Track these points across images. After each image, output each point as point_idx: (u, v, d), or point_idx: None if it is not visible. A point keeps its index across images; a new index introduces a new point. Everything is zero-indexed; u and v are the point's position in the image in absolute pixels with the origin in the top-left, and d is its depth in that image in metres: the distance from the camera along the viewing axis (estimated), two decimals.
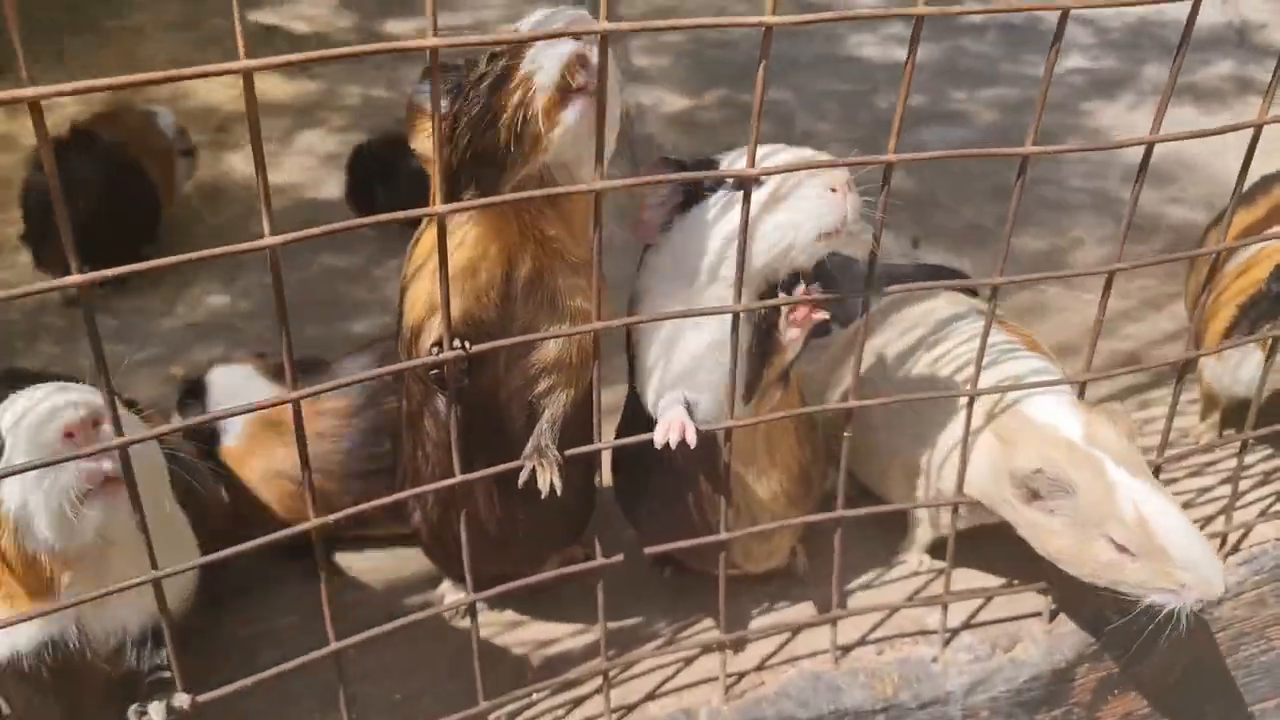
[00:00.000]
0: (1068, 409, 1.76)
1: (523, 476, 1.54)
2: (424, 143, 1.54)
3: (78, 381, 1.68)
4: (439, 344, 1.41)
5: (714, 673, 1.83)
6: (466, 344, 1.42)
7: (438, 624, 1.90)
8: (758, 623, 1.96)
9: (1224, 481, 2.12)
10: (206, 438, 2.06)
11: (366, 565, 2.16)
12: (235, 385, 2.19)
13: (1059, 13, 1.42)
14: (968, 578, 2.04)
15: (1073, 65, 5.12)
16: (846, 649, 1.90)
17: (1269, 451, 2.36)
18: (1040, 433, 1.74)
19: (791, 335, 1.64)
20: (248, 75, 1.13)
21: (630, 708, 1.81)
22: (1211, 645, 2.08)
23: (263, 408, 1.37)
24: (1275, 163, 2.65)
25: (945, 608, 1.89)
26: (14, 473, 1.30)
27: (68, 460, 1.31)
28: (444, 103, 1.49)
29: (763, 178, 1.58)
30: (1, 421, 1.40)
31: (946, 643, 1.91)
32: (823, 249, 1.58)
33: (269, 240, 1.22)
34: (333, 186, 4.21)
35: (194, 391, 2.21)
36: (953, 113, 4.73)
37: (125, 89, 1.15)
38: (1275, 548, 2.11)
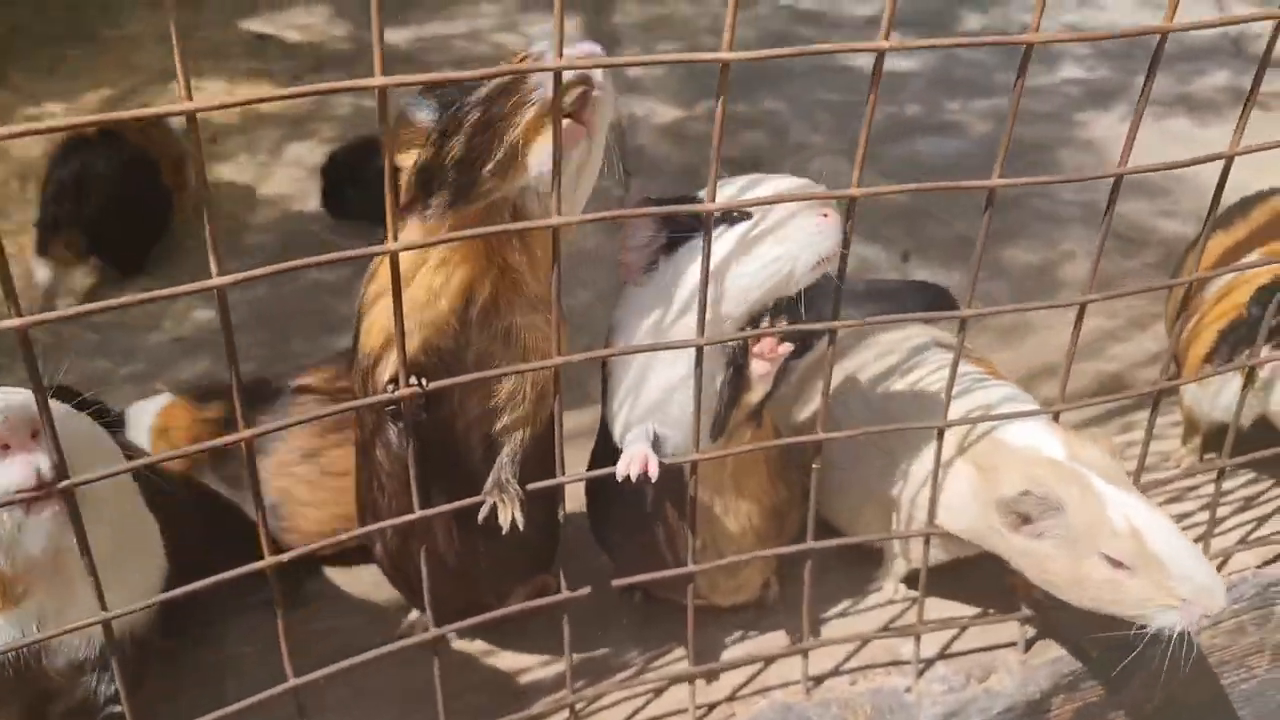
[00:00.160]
0: (1045, 431, 1.74)
1: (483, 512, 1.52)
2: (409, 157, 1.52)
3: (82, 392, 1.69)
4: (395, 380, 1.39)
5: (684, 704, 1.81)
6: (423, 381, 1.40)
7: (406, 651, 1.88)
8: (729, 653, 1.94)
9: (1204, 507, 2.10)
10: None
11: (343, 584, 2.14)
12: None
13: (1026, 45, 1.40)
14: (943, 607, 2.02)
15: (1067, 75, 5.10)
16: (819, 679, 1.89)
17: (1250, 476, 2.34)
18: (1021, 455, 1.71)
19: (760, 370, 1.63)
20: (191, 117, 1.11)
21: None
22: (1191, 674, 2.05)
23: (216, 446, 1.35)
24: (1265, 179, 2.64)
25: (918, 638, 1.87)
26: None
27: None
28: (433, 116, 1.49)
29: (753, 212, 1.58)
30: None
31: (920, 673, 1.89)
32: (818, 274, 1.58)
33: (216, 281, 1.21)
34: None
35: (116, 425, 2.20)
36: (947, 123, 4.71)
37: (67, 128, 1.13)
38: (1255, 576, 2.08)
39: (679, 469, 1.62)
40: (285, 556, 1.42)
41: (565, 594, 1.64)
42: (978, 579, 1.99)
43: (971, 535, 1.75)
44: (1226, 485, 2.25)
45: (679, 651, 1.95)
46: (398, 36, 5.68)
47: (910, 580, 2.05)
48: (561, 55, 1.23)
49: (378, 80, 1.17)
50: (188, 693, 1.84)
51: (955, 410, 1.71)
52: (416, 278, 1.50)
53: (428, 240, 1.34)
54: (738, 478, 1.80)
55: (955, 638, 1.96)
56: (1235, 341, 2.08)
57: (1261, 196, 2.47)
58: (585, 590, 1.64)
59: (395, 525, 1.52)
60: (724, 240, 1.57)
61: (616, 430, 1.69)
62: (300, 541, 1.80)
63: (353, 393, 1.64)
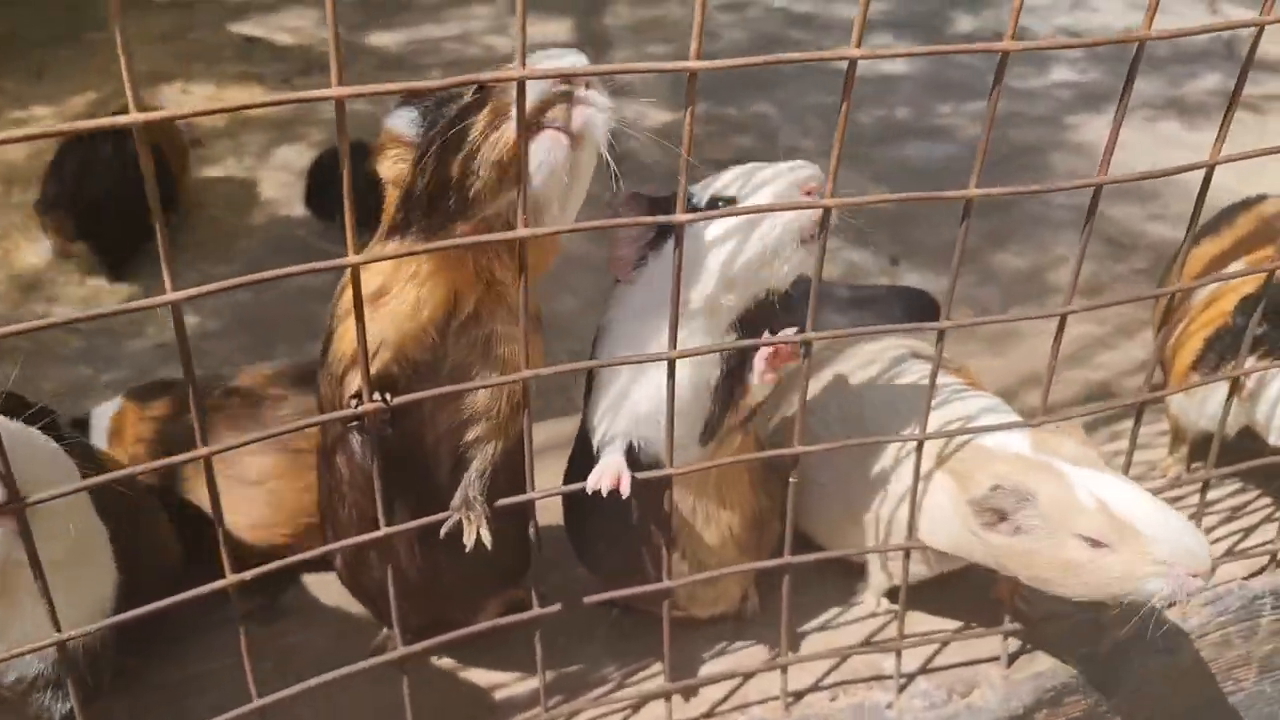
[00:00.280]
0: (1017, 433, 1.72)
1: (446, 528, 1.49)
2: (389, 167, 1.50)
3: (33, 402, 1.67)
4: (359, 395, 1.37)
5: None
6: (388, 396, 1.38)
7: (378, 667, 1.85)
8: (707, 668, 1.91)
9: (1190, 517, 2.07)
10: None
11: (319, 596, 2.12)
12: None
13: (1001, 54, 1.37)
14: (925, 620, 1.99)
15: (1059, 78, 5.09)
16: (799, 695, 1.86)
17: (1236, 486, 2.31)
18: (989, 455, 1.69)
19: (767, 377, 1.60)
20: (139, 128, 1.08)
21: None
22: (1177, 688, 2.03)
23: (181, 463, 1.33)
24: (1254, 183, 2.61)
25: (899, 654, 1.84)
26: None
27: None
28: (415, 129, 1.47)
29: (736, 194, 1.56)
30: None
31: (902, 689, 1.87)
32: (805, 257, 1.55)
33: (170, 296, 1.18)
34: None
35: (79, 426, 2.21)
36: (937, 127, 4.70)
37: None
38: (1241, 588, 2.06)
39: (653, 482, 1.59)
40: (248, 574, 1.39)
41: (536, 610, 1.61)
42: (961, 592, 1.97)
43: (956, 548, 1.73)
44: (1212, 495, 2.23)
45: (657, 666, 1.92)
46: (389, 39, 5.66)
47: (892, 594, 2.02)
48: (525, 64, 1.20)
49: (334, 91, 1.15)
50: (152, 711, 1.81)
51: (933, 422, 1.68)
52: (401, 289, 1.47)
53: (387, 254, 1.31)
54: (720, 486, 1.77)
55: (937, 652, 1.93)
56: (1221, 350, 2.05)
57: (1247, 204, 2.45)
58: (555, 607, 1.62)
59: (354, 539, 1.49)
60: (711, 227, 1.54)
61: (598, 435, 1.66)
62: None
63: (317, 400, 1.62)
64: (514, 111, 1.31)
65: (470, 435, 1.55)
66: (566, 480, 1.78)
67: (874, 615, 2.02)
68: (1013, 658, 1.92)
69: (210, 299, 3.57)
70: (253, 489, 2.01)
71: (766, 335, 1.58)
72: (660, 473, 1.58)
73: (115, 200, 3.63)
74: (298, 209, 4.12)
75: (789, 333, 1.56)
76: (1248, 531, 2.21)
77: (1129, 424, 1.87)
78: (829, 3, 6.12)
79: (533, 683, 1.87)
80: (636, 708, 1.85)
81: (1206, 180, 1.59)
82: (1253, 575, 2.10)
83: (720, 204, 1.58)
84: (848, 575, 2.07)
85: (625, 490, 1.54)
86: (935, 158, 4.39)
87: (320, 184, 3.92)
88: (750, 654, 1.95)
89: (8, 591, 1.41)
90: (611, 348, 1.66)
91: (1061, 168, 4.30)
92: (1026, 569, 1.65)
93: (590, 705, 1.82)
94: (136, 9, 5.91)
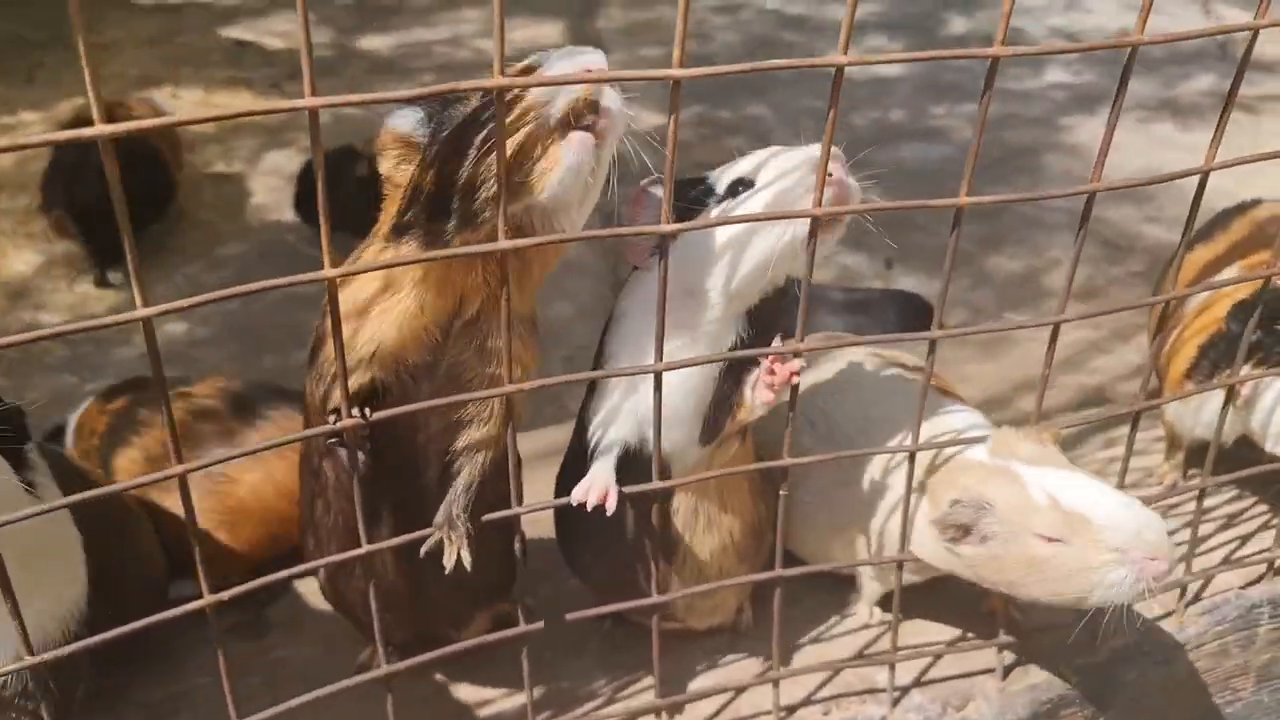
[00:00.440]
0: (982, 443, 1.70)
1: (427, 546, 1.46)
2: (392, 167, 1.47)
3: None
4: (336, 411, 1.34)
5: None
6: (367, 411, 1.35)
7: (364, 683, 1.83)
8: (699, 682, 1.88)
9: (1186, 525, 2.05)
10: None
11: (305, 609, 2.09)
12: None
13: (992, 59, 1.34)
14: (919, 631, 1.96)
15: (1053, 80, 5.07)
16: (791, 709, 1.83)
17: (1233, 494, 2.29)
18: (954, 468, 1.67)
19: (765, 399, 1.57)
20: (104, 141, 1.06)
21: None
22: (1174, 699, 2.01)
23: (149, 483, 1.30)
24: (1249, 186, 2.59)
25: (893, 667, 1.82)
26: None
27: None
28: (420, 129, 1.44)
29: (755, 179, 1.55)
30: None
31: (896, 702, 1.84)
32: (827, 244, 1.53)
33: (143, 312, 1.15)
34: None
35: (56, 435, 2.25)
36: (932, 129, 4.68)
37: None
38: (1238, 597, 2.03)
39: (663, 478, 1.57)
40: (226, 594, 1.36)
41: (523, 627, 1.58)
42: (954, 604, 1.94)
43: (941, 563, 1.71)
44: (1209, 503, 2.21)
45: (648, 681, 1.89)
46: (380, 43, 5.64)
47: (885, 602, 2.00)
48: (503, 72, 1.17)
49: (307, 101, 1.12)
50: None
51: (903, 435, 1.66)
52: (408, 290, 1.44)
53: (367, 266, 1.28)
54: (721, 492, 1.75)
55: (931, 665, 1.90)
56: (1216, 358, 2.03)
57: (1241, 208, 2.43)
58: (539, 625, 1.59)
59: (335, 543, 1.46)
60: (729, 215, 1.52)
61: (595, 437, 1.63)
62: None
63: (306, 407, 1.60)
64: (540, 119, 1.31)
65: (461, 442, 1.51)
66: (557, 491, 1.76)
67: (867, 627, 1.99)
68: (1008, 670, 1.89)
69: (198, 307, 3.55)
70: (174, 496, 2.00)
71: (776, 343, 1.56)
72: (647, 486, 1.55)
73: (128, 189, 3.61)
74: (287, 214, 4.10)
75: (791, 347, 1.52)
76: (1244, 540, 2.18)
77: (1123, 431, 1.85)
78: (822, 5, 6.10)
79: (519, 699, 1.85)
80: None
81: (1201, 185, 1.56)
82: (1250, 584, 2.07)
83: (741, 188, 1.56)
84: (840, 587, 2.04)
85: (611, 507, 1.52)
86: (931, 159, 4.36)
87: (310, 189, 3.91)
88: (742, 667, 1.92)
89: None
90: (624, 337, 1.63)
91: (1056, 169, 4.28)
92: (999, 575, 1.63)
93: None
94: (124, 12, 5.88)
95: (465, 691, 1.89)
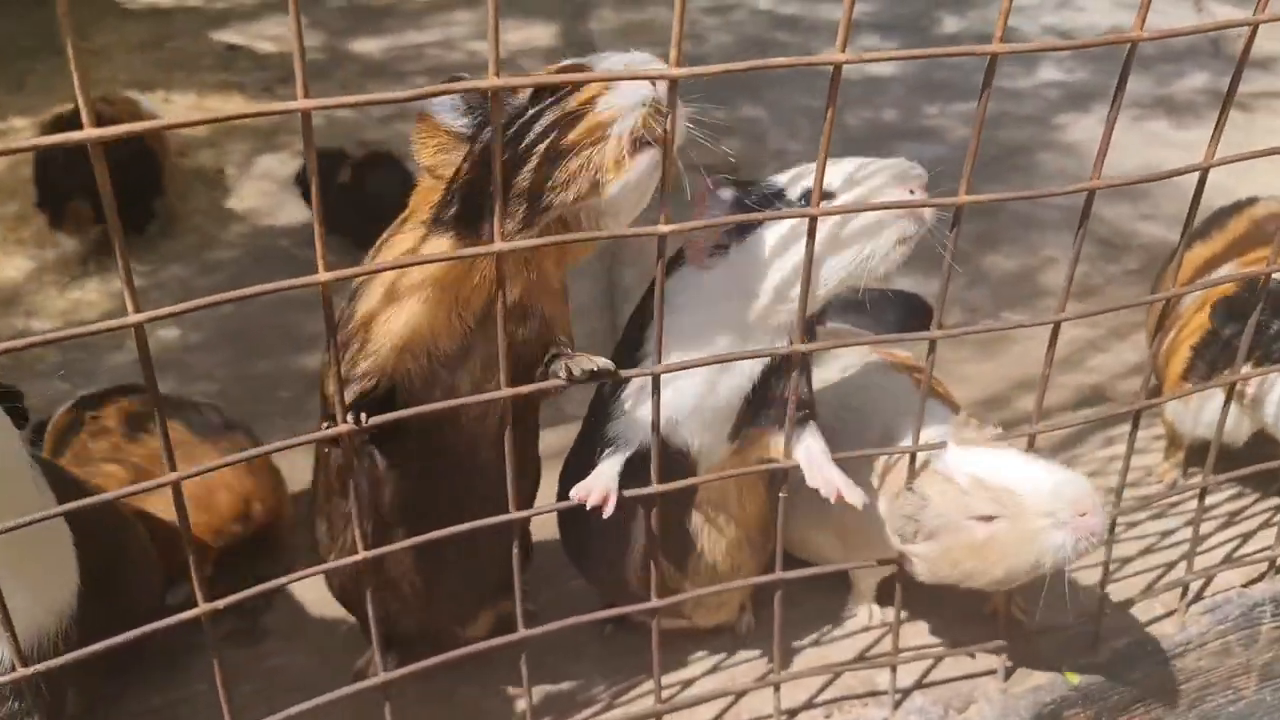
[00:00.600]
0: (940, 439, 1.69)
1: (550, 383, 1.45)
2: (430, 156, 1.47)
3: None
4: (332, 418, 1.33)
5: None
6: (364, 416, 1.34)
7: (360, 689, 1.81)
8: (699, 686, 1.87)
9: (1187, 524, 2.04)
10: None
11: (300, 615, 2.07)
12: None
13: (990, 56, 1.33)
14: (920, 631, 1.96)
15: (1047, 78, 5.06)
16: (792, 713, 1.82)
17: (1234, 492, 2.28)
18: (901, 469, 1.67)
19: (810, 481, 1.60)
20: (95, 145, 1.04)
21: None
22: (1177, 698, 2.00)
23: (142, 491, 1.28)
24: (1247, 183, 2.58)
25: (894, 670, 1.80)
26: None
27: None
28: (459, 120, 1.44)
29: (836, 189, 1.55)
30: None
31: (897, 705, 1.83)
32: (901, 256, 1.54)
33: (135, 318, 1.14)
34: (292, 211, 4.13)
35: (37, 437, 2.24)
36: (925, 128, 4.66)
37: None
38: (1240, 595, 2.03)
39: (680, 473, 1.59)
40: (221, 603, 1.34)
41: (522, 633, 1.57)
42: (956, 604, 1.93)
43: (919, 572, 1.70)
44: (1210, 501, 2.20)
45: (648, 685, 1.87)
46: (372, 46, 5.61)
47: (884, 600, 1.98)
48: (498, 73, 1.16)
49: (300, 104, 1.10)
50: None
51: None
52: (446, 278, 1.46)
53: (357, 270, 1.26)
54: (740, 487, 1.75)
55: (932, 667, 1.89)
56: (1210, 359, 2.02)
57: (1238, 206, 2.42)
58: (537, 630, 1.57)
59: (356, 536, 1.45)
60: (800, 224, 1.51)
61: (617, 427, 1.62)
62: None
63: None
64: (616, 127, 1.36)
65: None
66: (561, 489, 1.75)
67: (868, 629, 1.99)
68: (1010, 672, 1.88)
69: (191, 312, 3.53)
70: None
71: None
72: (644, 490, 1.54)
73: (121, 182, 3.63)
74: (280, 218, 4.07)
75: (792, 349, 1.51)
76: (1246, 538, 2.17)
77: (1122, 430, 1.84)
78: (815, 4, 6.09)
79: (520, 703, 1.83)
80: None
81: (1201, 183, 1.55)
82: (1251, 582, 2.06)
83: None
84: (839, 589, 2.03)
85: (609, 510, 1.51)
86: (925, 159, 4.27)
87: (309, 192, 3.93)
88: (743, 671, 1.91)
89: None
90: (672, 334, 1.60)
91: (1051, 167, 4.26)
92: (956, 569, 1.63)
93: None
94: (115, 17, 5.85)
95: (465, 694, 1.87)
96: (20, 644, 1.27)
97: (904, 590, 1.74)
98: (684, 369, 1.50)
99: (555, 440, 1.86)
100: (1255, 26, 1.45)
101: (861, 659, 1.91)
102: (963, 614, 1.95)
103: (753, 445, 1.69)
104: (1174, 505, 2.23)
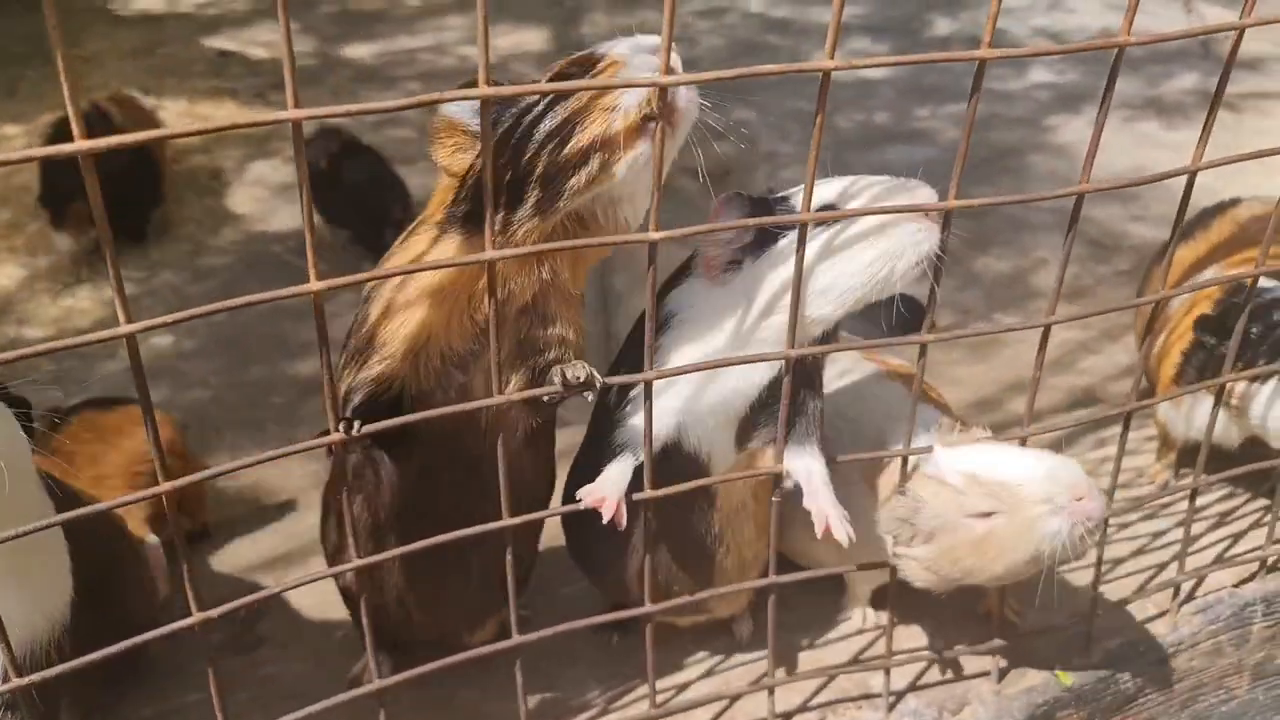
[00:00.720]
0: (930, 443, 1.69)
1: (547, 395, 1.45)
2: (448, 156, 1.48)
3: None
4: (346, 420, 1.34)
5: None
6: (357, 424, 1.34)
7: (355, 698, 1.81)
8: (694, 690, 1.88)
9: (1178, 524, 2.05)
10: None
11: (295, 623, 2.07)
12: None
13: (979, 61, 1.34)
14: (914, 635, 1.96)
15: (1037, 79, 5.07)
16: (787, 716, 1.82)
17: (1225, 492, 2.29)
18: (892, 473, 1.69)
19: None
20: (86, 157, 1.04)
21: None
22: (1170, 698, 2.01)
23: (136, 501, 1.28)
24: (1235, 183, 2.59)
25: (888, 672, 1.81)
26: None
27: None
28: (478, 122, 1.43)
29: (842, 207, 1.54)
30: None
31: (891, 707, 1.83)
32: (915, 276, 1.55)
33: (126, 328, 1.14)
34: (285, 217, 4.14)
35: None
36: (916, 131, 4.67)
37: None
38: (1231, 595, 2.03)
39: (697, 471, 1.62)
40: (215, 612, 1.35)
41: (515, 639, 1.57)
42: (949, 606, 1.93)
43: (917, 577, 1.70)
44: (1201, 502, 2.21)
45: (643, 689, 1.88)
46: (363, 51, 5.60)
47: (879, 603, 1.99)
48: (488, 82, 1.16)
49: (291, 114, 1.11)
50: None
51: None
52: (461, 280, 1.47)
53: (349, 279, 1.26)
54: (756, 490, 1.76)
55: (926, 669, 1.90)
56: (1199, 364, 2.03)
57: (1221, 208, 2.43)
58: (531, 636, 1.58)
59: (368, 540, 1.46)
60: (817, 240, 1.53)
61: (626, 431, 1.63)
62: None
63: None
64: (622, 103, 1.37)
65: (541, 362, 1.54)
66: (567, 492, 1.75)
67: (862, 632, 1.99)
68: (1003, 673, 1.88)
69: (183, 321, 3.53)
70: None
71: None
72: (642, 495, 1.54)
73: (114, 177, 3.65)
74: (273, 224, 4.07)
75: (784, 354, 1.52)
76: (1236, 538, 2.18)
77: (1114, 431, 1.85)
78: (806, 7, 6.10)
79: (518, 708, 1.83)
80: None
81: (1189, 185, 1.56)
82: (1242, 582, 2.07)
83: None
84: (834, 592, 2.03)
85: (622, 522, 1.52)
86: (916, 161, 4.32)
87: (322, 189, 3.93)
88: (738, 674, 1.92)
89: None
90: (680, 345, 1.62)
91: (1042, 169, 4.28)
92: (958, 567, 1.63)
93: None
94: (106, 24, 5.84)
95: (464, 699, 1.88)
96: (14, 653, 1.27)
97: (898, 594, 1.75)
98: (681, 373, 1.51)
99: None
100: (1242, 31, 1.46)
101: (856, 662, 1.91)
102: (956, 617, 1.95)
103: (765, 456, 1.69)
104: (1165, 506, 2.24)
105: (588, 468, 1.65)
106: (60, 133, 3.78)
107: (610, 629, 1.98)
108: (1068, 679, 1.89)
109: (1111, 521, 2.07)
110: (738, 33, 5.83)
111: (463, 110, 1.45)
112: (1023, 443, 1.70)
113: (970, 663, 1.90)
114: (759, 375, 1.62)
